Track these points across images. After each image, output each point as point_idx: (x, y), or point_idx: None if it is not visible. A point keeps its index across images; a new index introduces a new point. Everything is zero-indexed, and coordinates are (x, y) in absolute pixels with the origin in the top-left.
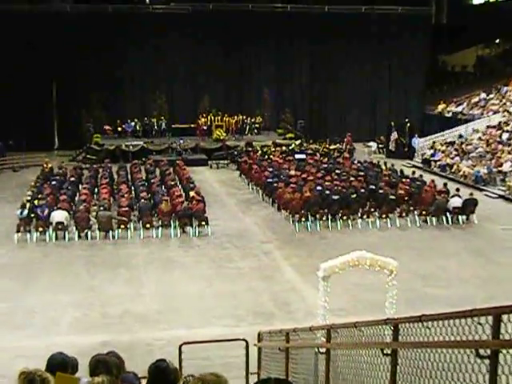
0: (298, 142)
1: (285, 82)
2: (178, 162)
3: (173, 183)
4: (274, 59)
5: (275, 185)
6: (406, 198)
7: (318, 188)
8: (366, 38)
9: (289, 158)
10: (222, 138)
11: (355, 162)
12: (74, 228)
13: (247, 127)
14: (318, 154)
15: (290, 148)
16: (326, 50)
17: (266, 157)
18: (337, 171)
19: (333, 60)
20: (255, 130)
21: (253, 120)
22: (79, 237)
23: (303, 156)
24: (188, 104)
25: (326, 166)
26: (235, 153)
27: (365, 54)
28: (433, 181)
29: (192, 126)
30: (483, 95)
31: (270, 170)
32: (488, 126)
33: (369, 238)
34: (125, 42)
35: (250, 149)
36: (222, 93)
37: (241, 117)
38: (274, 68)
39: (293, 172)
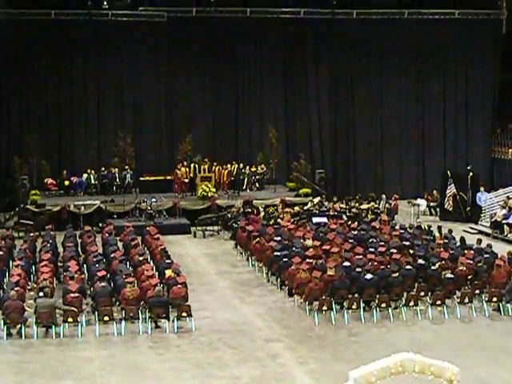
0: (316, 199)
1: (297, 117)
2: (148, 228)
3: (141, 259)
4: (281, 85)
5: (285, 260)
6: (470, 278)
7: (346, 264)
8: (409, 53)
9: (304, 222)
10: (209, 194)
11: (397, 227)
12: (2, 323)
13: (245, 180)
14: (344, 217)
15: (306, 208)
16: (352, 72)
17: (272, 221)
18: (372, 240)
19: (363, 85)
20: (256, 184)
21: (253, 170)
22: (8, 335)
23: (324, 220)
24: (163, 148)
25: (355, 233)
26: (229, 215)
27: (408, 77)
28: (510, 253)
29: (168, 178)
30: None
31: (278, 239)
32: None
33: (417, 334)
34: (74, 62)
35: (250, 210)
36: (209, 132)
37: (236, 165)
38: (283, 97)
39: (310, 242)
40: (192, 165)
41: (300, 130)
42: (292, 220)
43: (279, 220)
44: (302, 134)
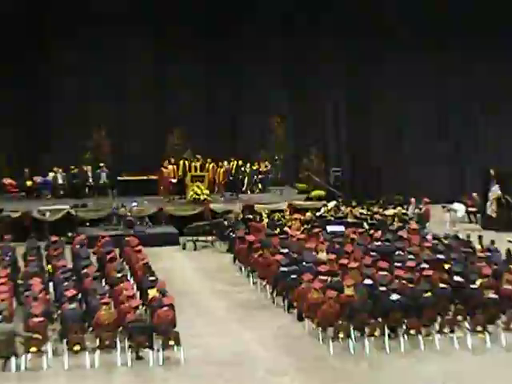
0: (331, 204)
1: (308, 104)
2: (128, 238)
3: (120, 275)
4: (289, 66)
5: (294, 277)
6: None
7: (367, 282)
8: (444, 30)
9: (316, 231)
10: (202, 198)
11: (429, 236)
12: None
13: (245, 180)
14: (365, 225)
15: (319, 215)
16: (372, 47)
17: (279, 230)
18: (398, 253)
19: (387, 65)
20: (259, 185)
21: (255, 168)
22: None
23: (341, 228)
24: (146, 142)
25: (379, 244)
26: (225, 223)
27: (438, 56)
28: None
29: (152, 178)
30: None
31: (285, 251)
32: None
33: (454, 366)
34: (40, 36)
35: (251, 216)
36: (202, 122)
37: (234, 162)
38: (291, 81)
39: (324, 255)
40: (181, 162)
41: (312, 120)
42: (302, 228)
43: (286, 228)
44: (315, 125)
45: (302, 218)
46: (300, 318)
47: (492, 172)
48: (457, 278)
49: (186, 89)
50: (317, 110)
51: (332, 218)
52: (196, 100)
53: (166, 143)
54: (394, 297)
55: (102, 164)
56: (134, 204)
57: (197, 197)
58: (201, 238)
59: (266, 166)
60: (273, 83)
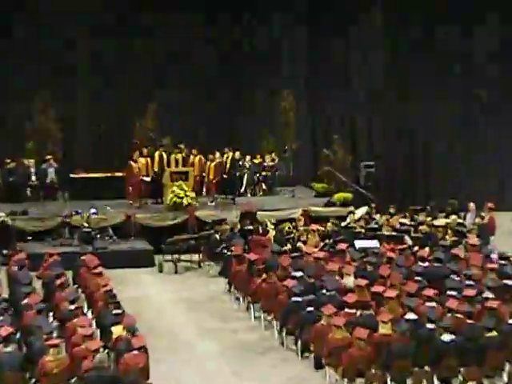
0: (361, 210)
1: (331, 77)
2: (84, 258)
3: (73, 308)
4: (306, 26)
5: (310, 310)
6: None
7: (410, 317)
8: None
9: (341, 247)
10: (186, 202)
11: (494, 255)
12: None
13: (245, 178)
14: (407, 239)
15: (345, 225)
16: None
17: (290, 246)
18: (452, 278)
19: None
20: (263, 185)
21: (257, 161)
22: None
23: (374, 244)
24: (110, 126)
25: (426, 265)
26: (217, 236)
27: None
28: None
29: (117, 175)
30: None
31: (299, 275)
32: None
33: None
34: None
35: (252, 227)
36: (186, 98)
37: (230, 154)
38: (308, 43)
39: (351, 280)
40: (157, 153)
41: (334, 98)
42: (321, 244)
43: (300, 244)
44: (338, 105)
45: (322, 229)
46: (318, 366)
47: None
48: None
49: (165, 57)
50: (341, 85)
51: (362, 230)
52: (178, 70)
53: (136, 128)
54: (447, 337)
55: (48, 156)
56: (93, 211)
57: (178, 201)
58: (183, 257)
59: (272, 160)
60: (287, 44)
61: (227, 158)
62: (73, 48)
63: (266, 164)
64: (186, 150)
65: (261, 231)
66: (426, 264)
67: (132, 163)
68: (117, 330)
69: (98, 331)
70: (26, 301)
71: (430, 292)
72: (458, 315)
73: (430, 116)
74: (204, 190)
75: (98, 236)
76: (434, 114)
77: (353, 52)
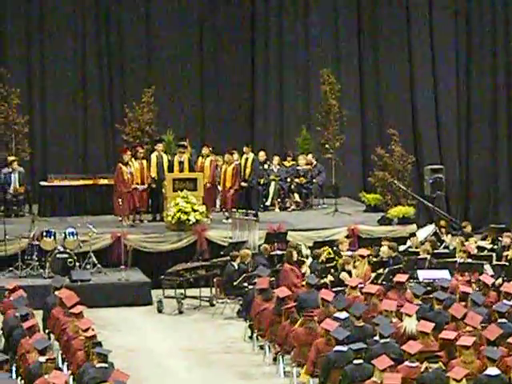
0: (426, 231)
1: (388, 61)
2: (59, 293)
3: (44, 360)
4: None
5: (358, 362)
6: None
7: (492, 372)
8: None
9: (400, 280)
10: (193, 218)
11: None
12: None
13: (271, 187)
14: (488, 269)
15: (405, 250)
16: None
17: (331, 277)
18: None
19: None
20: (296, 196)
21: (288, 164)
22: None
23: (444, 275)
24: (93, 119)
25: (511, 304)
26: (235, 265)
27: None
28: None
29: (104, 183)
30: None
31: (343, 316)
32: None
33: None
34: None
35: (281, 252)
36: (195, 85)
37: (251, 156)
38: (357, 19)
39: (413, 324)
40: (154, 154)
41: (391, 85)
42: (373, 275)
43: (345, 275)
44: (396, 93)
45: (373, 255)
46: None
47: None
48: None
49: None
50: (403, 70)
51: (428, 257)
52: (182, 54)
53: (128, 121)
54: None
55: (12, 158)
56: (71, 231)
57: (183, 217)
58: (190, 293)
59: (307, 163)
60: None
61: (247, 159)
62: None
63: (299, 168)
64: (190, 150)
65: (293, 258)
66: None
67: (122, 167)
68: None
69: None
70: None
71: None
72: None
73: None
74: (218, 202)
75: (78, 264)
76: None
77: None
